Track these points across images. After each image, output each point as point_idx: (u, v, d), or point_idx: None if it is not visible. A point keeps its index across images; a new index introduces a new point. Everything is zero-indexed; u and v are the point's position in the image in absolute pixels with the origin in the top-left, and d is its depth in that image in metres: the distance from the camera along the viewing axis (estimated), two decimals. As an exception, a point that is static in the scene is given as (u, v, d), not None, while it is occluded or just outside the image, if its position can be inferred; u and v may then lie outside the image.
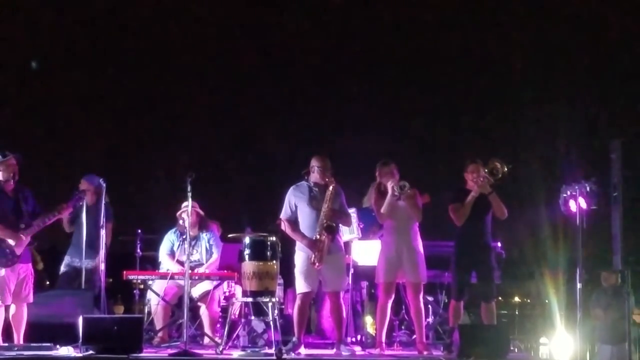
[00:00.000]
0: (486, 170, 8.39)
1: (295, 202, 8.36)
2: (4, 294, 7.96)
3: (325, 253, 8.16)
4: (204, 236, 9.41)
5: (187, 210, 8.70)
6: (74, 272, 9.26)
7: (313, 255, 8.14)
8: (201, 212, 9.32)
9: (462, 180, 8.63)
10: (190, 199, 8.35)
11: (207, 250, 9.40)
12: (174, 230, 9.53)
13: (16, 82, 13.45)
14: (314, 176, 8.40)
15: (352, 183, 8.99)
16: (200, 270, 9.22)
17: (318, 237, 8.16)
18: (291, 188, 8.45)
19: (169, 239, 9.51)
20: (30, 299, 8.15)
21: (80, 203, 8.76)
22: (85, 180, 9.33)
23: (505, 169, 8.36)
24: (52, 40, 13.49)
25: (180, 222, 9.32)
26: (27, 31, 13.33)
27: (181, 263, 9.12)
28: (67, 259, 9.31)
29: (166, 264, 9.38)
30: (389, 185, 8.36)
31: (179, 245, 9.42)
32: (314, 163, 8.41)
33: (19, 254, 8.04)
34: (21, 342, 8.04)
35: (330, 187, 8.23)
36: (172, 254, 9.41)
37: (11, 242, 7.99)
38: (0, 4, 12.78)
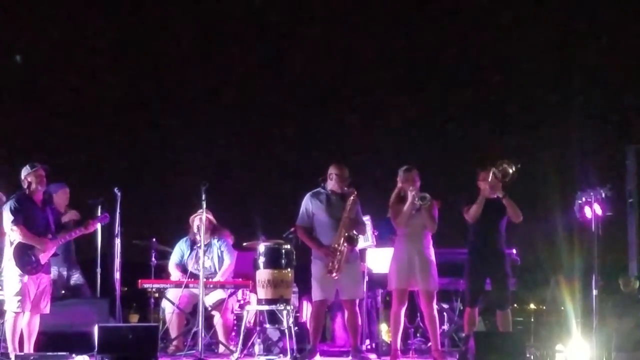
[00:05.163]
0: (496, 173, 8.37)
1: (312, 210, 8.33)
2: (25, 302, 7.98)
3: (344, 262, 8.15)
4: (215, 242, 9.42)
5: (201, 216, 8.77)
6: (60, 281, 9.30)
7: (330, 264, 8.13)
8: (213, 220, 9.34)
9: (475, 187, 8.60)
10: (204, 207, 8.41)
11: (219, 257, 9.42)
12: (185, 239, 9.56)
13: (25, 91, 13.54)
14: (331, 184, 8.37)
15: (366, 190, 8.98)
16: (215, 278, 9.23)
17: (337, 247, 8.14)
18: (308, 195, 8.41)
19: (180, 248, 9.54)
20: (47, 310, 8.18)
21: (105, 222, 8.79)
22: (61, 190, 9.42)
23: (514, 169, 8.33)
24: (69, 48, 13.56)
25: (195, 229, 9.35)
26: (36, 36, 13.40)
27: (192, 275, 9.16)
28: (52, 268, 9.26)
29: (175, 275, 9.40)
30: (410, 194, 8.32)
31: (189, 254, 9.45)
32: (332, 171, 8.38)
33: (44, 263, 8.10)
34: (31, 351, 8.06)
35: (352, 197, 8.21)
36: (181, 264, 9.44)
37: (38, 250, 8.03)
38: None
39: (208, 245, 9.35)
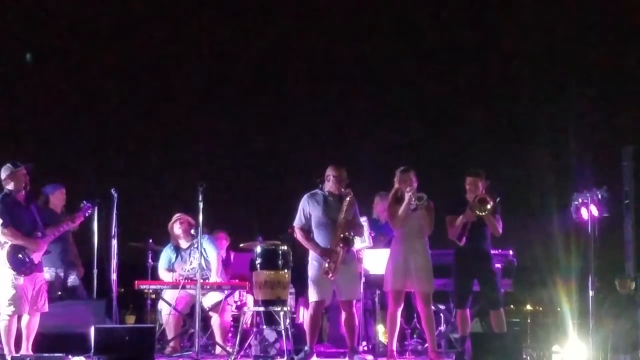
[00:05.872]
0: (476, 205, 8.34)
1: (310, 211, 8.32)
2: (22, 304, 7.98)
3: (340, 264, 8.15)
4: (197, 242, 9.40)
5: (180, 220, 9.15)
6: (57, 282, 9.28)
7: (327, 265, 8.12)
8: (192, 221, 9.29)
9: (463, 190, 8.59)
10: (201, 208, 8.40)
11: (204, 256, 9.40)
12: (169, 245, 9.57)
13: (30, 89, 13.54)
14: (329, 185, 8.36)
15: (361, 192, 8.98)
16: (211, 278, 9.22)
17: (334, 248, 8.14)
18: (306, 196, 8.40)
19: (166, 254, 9.54)
20: (46, 308, 8.18)
21: (90, 212, 8.79)
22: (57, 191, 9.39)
23: (491, 205, 8.30)
24: (68, 47, 13.57)
25: (178, 231, 9.36)
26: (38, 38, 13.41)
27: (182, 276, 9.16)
28: (50, 270, 9.08)
29: (167, 278, 9.38)
30: (407, 194, 8.32)
31: (176, 257, 9.45)
32: (330, 172, 8.37)
33: (37, 262, 8.09)
34: (30, 351, 8.05)
35: (348, 199, 8.21)
36: (169, 269, 9.44)
37: (30, 250, 8.02)
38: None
39: (191, 247, 9.35)
